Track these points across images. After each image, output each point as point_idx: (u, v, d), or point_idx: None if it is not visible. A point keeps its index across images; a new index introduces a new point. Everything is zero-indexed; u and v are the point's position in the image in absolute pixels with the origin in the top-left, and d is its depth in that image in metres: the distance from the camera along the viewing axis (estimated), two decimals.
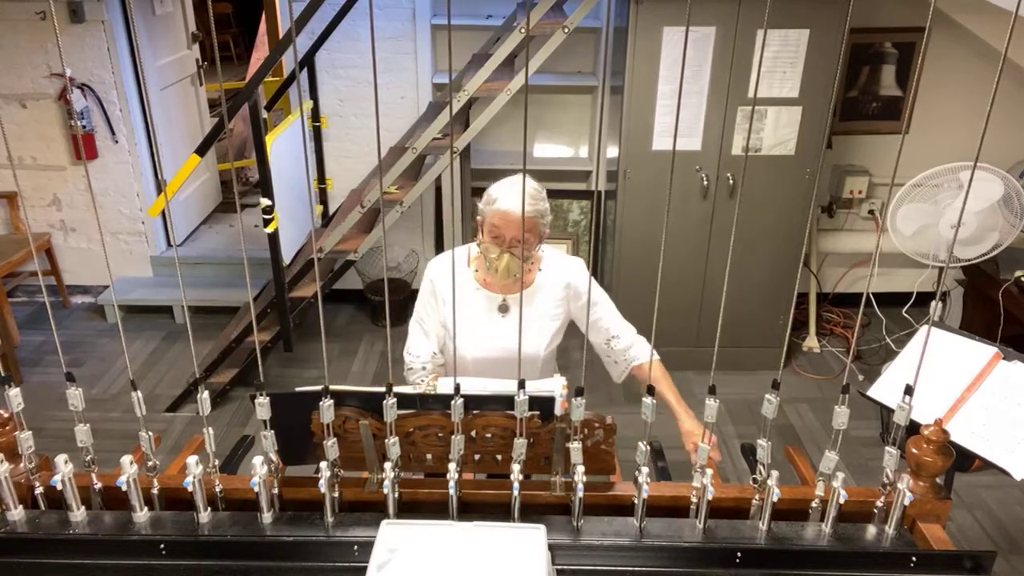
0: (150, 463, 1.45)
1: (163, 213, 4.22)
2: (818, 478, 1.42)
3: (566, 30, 3.30)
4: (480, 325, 2.11)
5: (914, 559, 1.37)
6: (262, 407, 1.39)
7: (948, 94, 4.12)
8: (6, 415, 1.48)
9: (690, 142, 3.55)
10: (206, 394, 1.42)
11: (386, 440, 1.41)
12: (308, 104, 4.16)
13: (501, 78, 3.43)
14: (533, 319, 2.14)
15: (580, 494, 1.40)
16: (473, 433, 1.48)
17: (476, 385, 1.65)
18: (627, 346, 2.19)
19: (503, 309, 2.12)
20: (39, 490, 1.47)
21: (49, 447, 1.48)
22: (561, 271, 2.16)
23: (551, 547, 1.34)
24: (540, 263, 2.14)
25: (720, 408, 1.39)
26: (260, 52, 6.04)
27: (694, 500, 1.45)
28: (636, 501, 1.41)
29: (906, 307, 4.14)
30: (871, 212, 4.36)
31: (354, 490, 1.51)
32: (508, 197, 1.96)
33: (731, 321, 3.84)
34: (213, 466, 1.47)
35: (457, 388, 1.39)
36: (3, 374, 1.44)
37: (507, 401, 1.43)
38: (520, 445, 1.40)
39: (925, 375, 1.37)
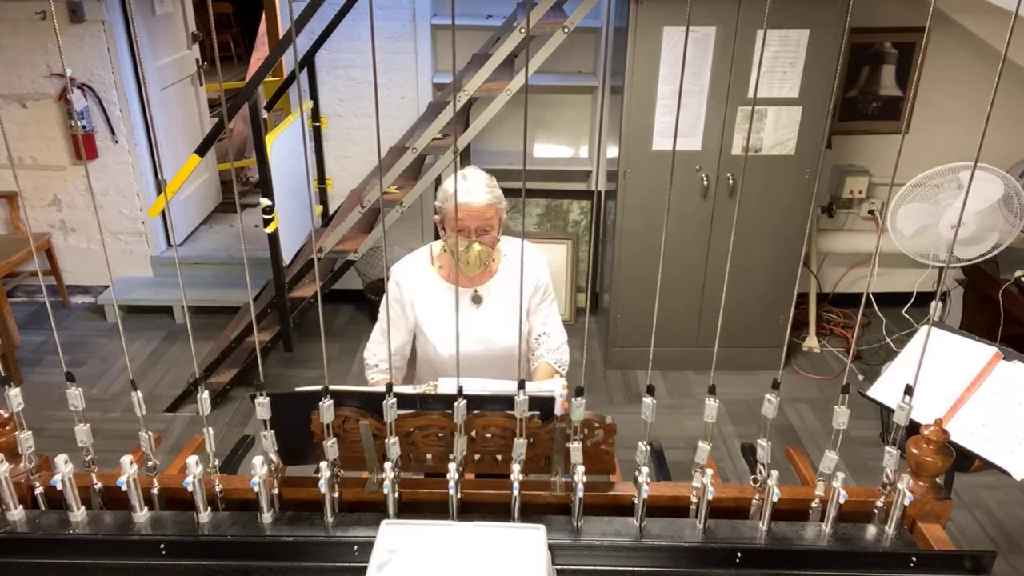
0: (150, 463, 1.45)
1: (163, 213, 4.22)
2: (818, 478, 1.42)
3: (566, 30, 3.31)
4: (452, 321, 2.12)
5: (914, 559, 1.36)
6: (262, 407, 1.39)
7: (948, 94, 4.12)
8: (6, 415, 1.48)
9: (690, 142, 3.55)
10: (206, 394, 1.42)
11: (386, 440, 1.41)
12: (308, 104, 4.16)
13: (501, 78, 3.43)
14: (505, 308, 2.16)
15: (580, 494, 1.40)
16: (473, 433, 1.48)
17: (476, 385, 1.66)
18: (552, 348, 2.23)
19: (476, 300, 2.15)
20: (39, 490, 1.47)
21: (49, 447, 1.48)
22: (529, 262, 2.18)
23: (551, 547, 1.34)
24: (501, 251, 2.18)
25: (720, 408, 1.39)
26: (260, 52, 6.05)
27: (694, 500, 1.45)
28: (636, 501, 1.41)
29: (906, 307, 4.14)
30: (871, 212, 4.36)
31: (354, 490, 1.51)
32: (465, 189, 2.01)
33: (731, 321, 3.84)
34: (213, 466, 1.47)
35: (460, 389, 1.39)
36: (3, 374, 1.44)
37: (507, 401, 1.43)
38: (520, 445, 1.40)
39: (925, 375, 1.37)
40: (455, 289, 2.07)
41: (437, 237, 2.26)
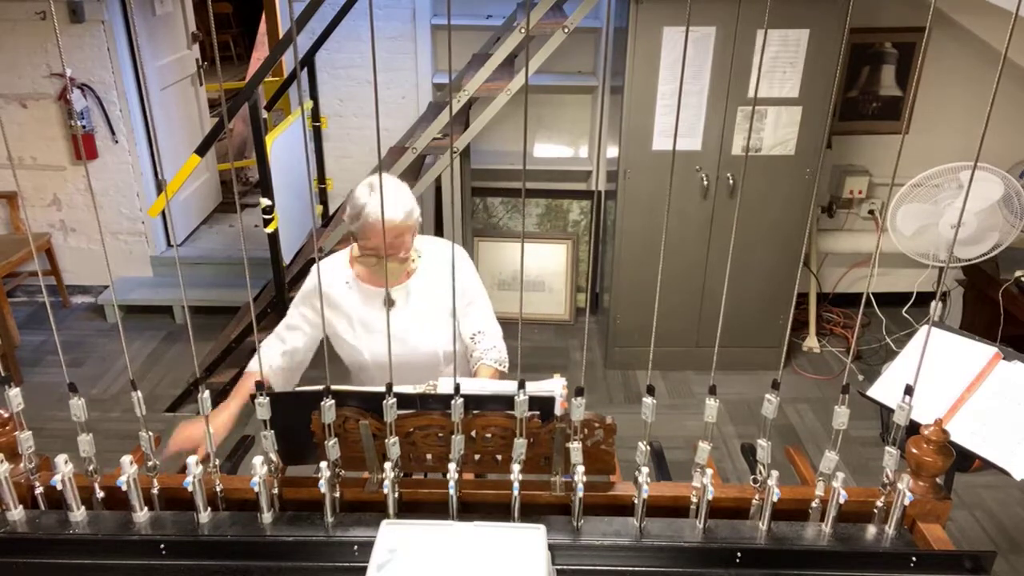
0: (150, 463, 1.45)
1: (163, 213, 4.22)
2: (818, 478, 1.42)
3: (566, 30, 3.31)
4: (371, 321, 2.09)
5: (914, 559, 1.36)
6: (262, 407, 1.39)
7: (948, 94, 4.12)
8: (6, 415, 1.47)
9: (690, 142, 3.55)
10: (207, 394, 1.41)
11: (386, 440, 1.41)
12: (308, 104, 4.16)
13: (501, 78, 3.43)
14: (419, 311, 2.11)
15: (580, 494, 1.40)
16: (473, 433, 1.48)
17: (475, 385, 1.66)
18: (488, 347, 2.16)
19: (389, 302, 2.09)
20: (39, 490, 1.47)
21: (49, 447, 1.48)
22: (445, 262, 2.11)
23: (551, 547, 1.34)
24: (419, 251, 2.13)
25: (720, 408, 1.39)
26: (260, 52, 6.05)
27: (694, 500, 1.45)
28: (636, 501, 1.41)
29: (906, 307, 4.14)
30: (871, 212, 4.36)
31: (354, 490, 1.51)
32: (376, 207, 1.88)
33: (731, 321, 3.84)
34: (214, 466, 1.47)
35: (457, 388, 1.39)
36: (3, 374, 1.43)
37: (507, 401, 1.43)
38: (520, 445, 1.40)
39: (925, 375, 1.37)
40: (372, 289, 2.04)
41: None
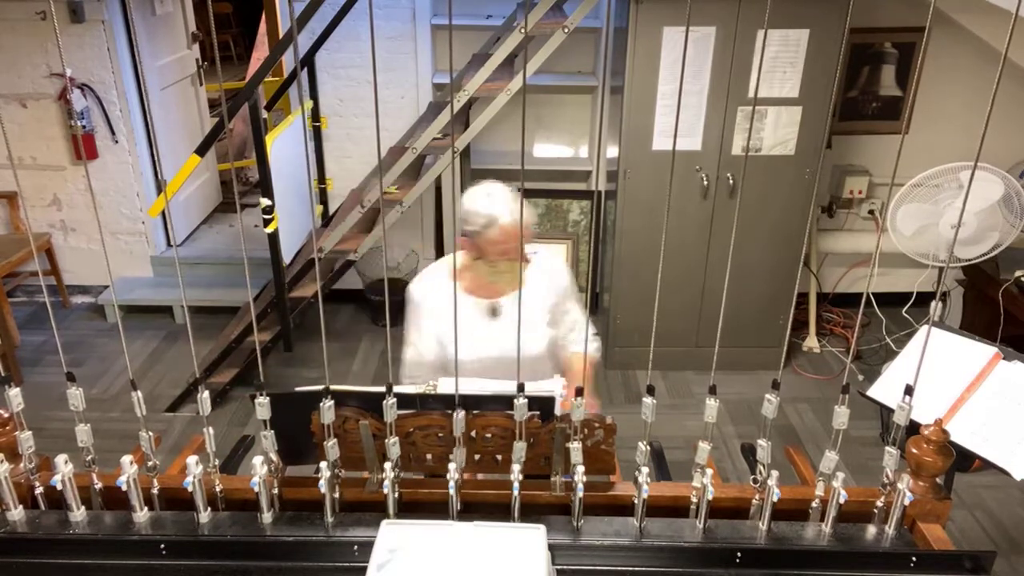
0: (150, 463, 1.45)
1: (163, 213, 4.22)
2: (818, 478, 1.42)
3: (566, 30, 3.31)
4: (474, 331, 2.13)
5: (914, 559, 1.37)
6: (262, 407, 1.39)
7: (948, 94, 4.12)
8: (6, 415, 1.47)
9: (690, 142, 3.55)
10: (206, 394, 1.42)
11: (386, 440, 1.41)
12: (308, 104, 4.16)
13: (501, 78, 3.43)
14: (526, 319, 2.14)
15: (580, 494, 1.40)
16: (473, 433, 1.48)
17: (476, 385, 1.66)
18: (582, 338, 2.21)
19: (494, 313, 2.15)
20: (39, 490, 1.47)
21: (49, 447, 1.48)
22: (547, 271, 2.20)
23: (551, 547, 1.34)
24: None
25: (720, 408, 1.39)
26: (260, 52, 6.05)
27: (694, 500, 1.45)
28: (636, 501, 1.41)
29: (906, 307, 4.14)
30: (871, 212, 4.36)
31: (354, 490, 1.51)
32: (505, 212, 1.98)
33: (731, 321, 3.84)
34: (213, 466, 1.47)
35: (457, 399, 1.39)
36: (3, 374, 1.43)
37: (507, 401, 1.43)
38: (520, 448, 1.40)
39: (925, 375, 1.37)
40: (478, 301, 2.11)
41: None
